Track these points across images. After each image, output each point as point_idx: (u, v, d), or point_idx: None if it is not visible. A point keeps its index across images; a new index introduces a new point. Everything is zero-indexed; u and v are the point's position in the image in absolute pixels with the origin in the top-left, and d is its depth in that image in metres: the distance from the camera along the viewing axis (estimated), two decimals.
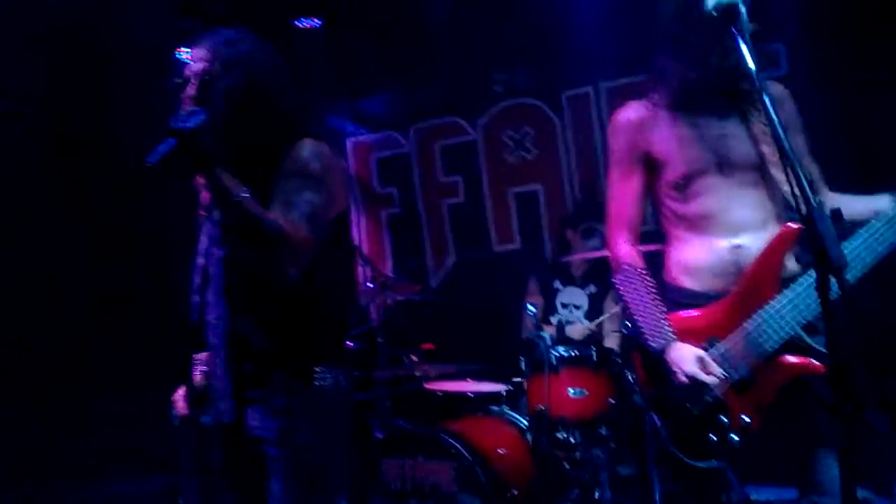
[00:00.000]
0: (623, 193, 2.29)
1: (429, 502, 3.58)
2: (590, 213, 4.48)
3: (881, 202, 2.12)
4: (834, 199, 2.26)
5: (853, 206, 2.19)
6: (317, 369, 2.09)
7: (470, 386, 4.29)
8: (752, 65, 1.79)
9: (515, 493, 3.62)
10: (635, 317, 2.17)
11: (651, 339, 2.12)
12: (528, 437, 3.71)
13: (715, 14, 1.93)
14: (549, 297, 4.46)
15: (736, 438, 2.03)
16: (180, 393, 2.33)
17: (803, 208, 1.58)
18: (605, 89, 5.06)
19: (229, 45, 2.10)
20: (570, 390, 3.54)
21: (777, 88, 2.27)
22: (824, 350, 2.05)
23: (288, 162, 2.03)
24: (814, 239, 1.56)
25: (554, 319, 4.38)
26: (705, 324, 2.12)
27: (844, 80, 4.26)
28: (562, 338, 4.21)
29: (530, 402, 3.65)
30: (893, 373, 4.06)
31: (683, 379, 2.04)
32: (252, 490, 2.15)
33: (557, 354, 3.59)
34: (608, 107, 5.03)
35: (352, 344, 4.63)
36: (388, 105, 5.52)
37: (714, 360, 2.07)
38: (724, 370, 2.05)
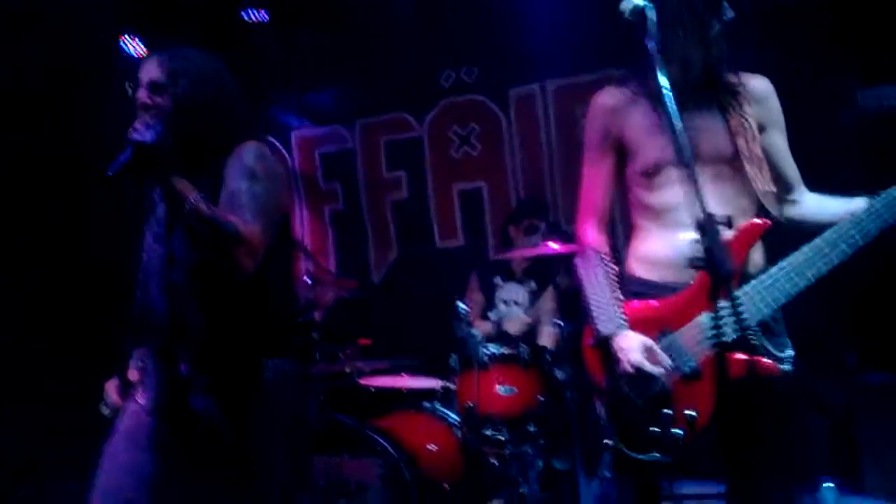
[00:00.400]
0: (594, 179, 2.25)
1: (354, 500, 3.55)
2: (533, 210, 4.48)
3: (856, 204, 2.06)
4: (811, 199, 2.24)
5: (829, 206, 2.16)
6: (265, 361, 2.19)
7: (405, 382, 4.25)
8: (660, 73, 1.77)
9: (446, 487, 3.61)
10: (589, 300, 2.11)
11: (600, 323, 2.06)
12: (458, 433, 3.69)
13: (631, 19, 1.92)
14: (489, 293, 4.45)
15: (680, 433, 1.97)
16: (112, 383, 2.38)
17: (701, 215, 1.58)
18: (552, 87, 5.05)
19: (179, 57, 2.22)
20: (500, 388, 3.53)
21: (761, 84, 2.21)
22: (776, 351, 2.04)
23: (233, 165, 2.15)
24: (708, 246, 1.56)
25: (493, 316, 4.37)
26: (660, 314, 2.06)
27: (794, 81, 4.28)
28: (500, 333, 4.21)
29: (460, 399, 3.63)
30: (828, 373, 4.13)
31: (628, 367, 1.98)
32: (194, 476, 2.18)
33: (488, 352, 3.57)
34: (554, 104, 5.03)
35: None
36: (333, 99, 5.47)
37: (663, 350, 2.02)
38: (673, 362, 2.00)
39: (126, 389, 2.32)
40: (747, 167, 2.06)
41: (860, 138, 4.01)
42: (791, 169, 2.24)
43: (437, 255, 5.19)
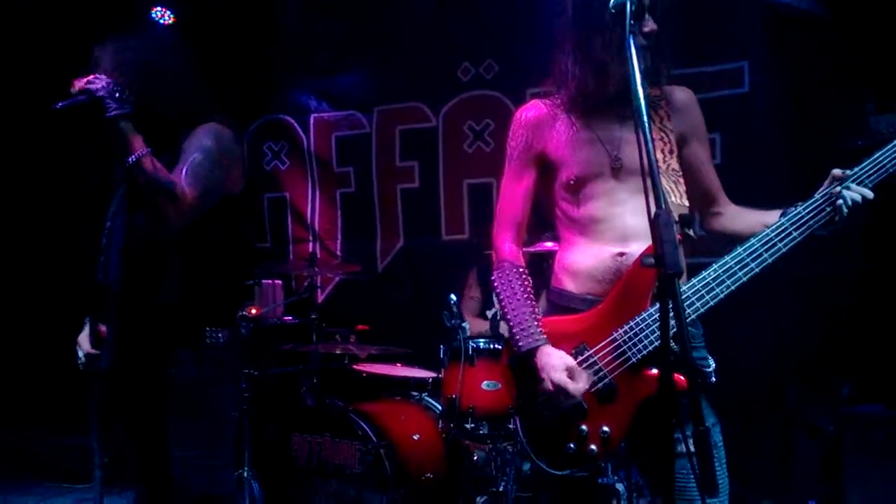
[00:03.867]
0: (513, 192, 2.24)
1: (331, 481, 3.59)
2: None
3: (771, 217, 2.07)
4: (733, 211, 2.24)
5: (748, 218, 2.16)
6: (206, 329, 2.46)
7: (398, 370, 4.30)
8: (637, 71, 1.72)
9: (430, 476, 3.64)
10: (507, 315, 2.12)
11: (520, 339, 2.06)
12: (440, 424, 3.72)
13: (613, 12, 1.91)
14: (487, 289, 4.46)
15: (595, 449, 1.97)
16: (84, 335, 2.62)
17: (652, 211, 1.58)
18: None
19: (130, 48, 2.42)
20: (485, 383, 3.54)
21: (683, 95, 2.23)
22: (696, 362, 2.04)
23: (191, 139, 2.42)
24: (655, 243, 1.56)
25: (490, 313, 4.38)
26: (576, 329, 2.07)
27: (807, 97, 4.27)
28: (496, 331, 4.21)
29: (444, 391, 3.65)
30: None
31: (549, 386, 1.99)
32: (148, 428, 2.48)
33: (475, 345, 3.58)
34: None
35: (290, 318, 4.68)
36: (353, 85, 5.48)
37: (580, 367, 2.02)
38: (589, 378, 2.01)
39: (98, 340, 2.56)
40: (662, 181, 2.03)
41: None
42: (714, 180, 2.24)
43: (442, 248, 5.20)
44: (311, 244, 5.57)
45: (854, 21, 4.06)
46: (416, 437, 3.72)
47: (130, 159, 2.21)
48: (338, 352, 4.14)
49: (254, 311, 4.22)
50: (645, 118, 1.66)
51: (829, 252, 4.06)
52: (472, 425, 3.48)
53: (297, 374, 4.37)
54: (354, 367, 4.27)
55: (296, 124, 5.65)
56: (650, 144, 1.63)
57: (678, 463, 1.88)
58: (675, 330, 1.55)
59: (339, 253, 5.50)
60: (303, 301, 4.92)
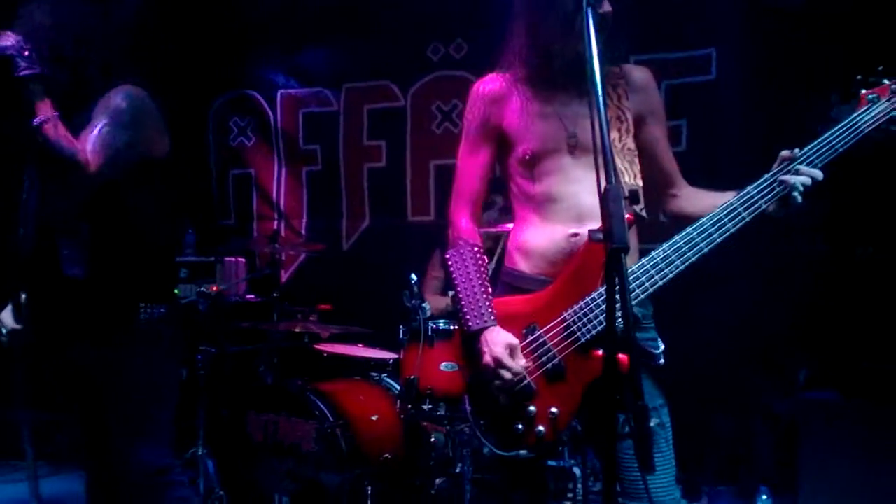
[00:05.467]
0: (471, 167, 2.21)
1: (288, 460, 3.55)
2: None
3: (726, 197, 2.04)
4: (690, 193, 2.22)
5: (704, 199, 2.13)
6: (140, 305, 2.36)
7: (360, 351, 4.26)
8: (595, 49, 1.70)
9: (387, 456, 3.62)
10: (459, 294, 2.09)
11: (470, 319, 2.05)
12: (398, 405, 3.69)
13: None
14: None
15: (542, 430, 1.96)
16: (6, 311, 2.53)
17: (602, 186, 1.56)
18: None
19: (41, 11, 2.32)
20: (443, 364, 3.51)
21: (642, 74, 2.21)
22: (649, 346, 2.03)
23: (102, 101, 2.31)
24: (603, 217, 1.54)
25: (451, 292, 4.35)
26: (527, 310, 2.05)
27: (773, 86, 4.28)
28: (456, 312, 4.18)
29: (403, 372, 3.62)
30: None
31: (489, 361, 1.98)
32: (84, 413, 2.41)
33: (435, 326, 3.55)
34: None
35: (252, 297, 4.62)
36: (322, 61, 5.41)
37: (529, 347, 2.01)
38: (538, 358, 2.00)
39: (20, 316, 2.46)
40: (617, 160, 2.01)
41: None
42: (670, 162, 2.22)
43: (407, 228, 5.17)
44: (275, 222, 5.50)
45: (823, 11, 4.08)
46: (373, 418, 3.70)
47: (34, 122, 2.14)
48: (298, 330, 4.09)
49: (214, 289, 4.17)
50: (600, 93, 1.64)
51: (790, 236, 4.12)
52: (430, 406, 3.44)
53: (256, 353, 4.31)
54: (315, 346, 4.23)
55: (262, 100, 5.57)
56: (604, 120, 1.61)
57: (624, 443, 1.88)
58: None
59: (303, 231, 5.45)
60: (266, 279, 4.87)
